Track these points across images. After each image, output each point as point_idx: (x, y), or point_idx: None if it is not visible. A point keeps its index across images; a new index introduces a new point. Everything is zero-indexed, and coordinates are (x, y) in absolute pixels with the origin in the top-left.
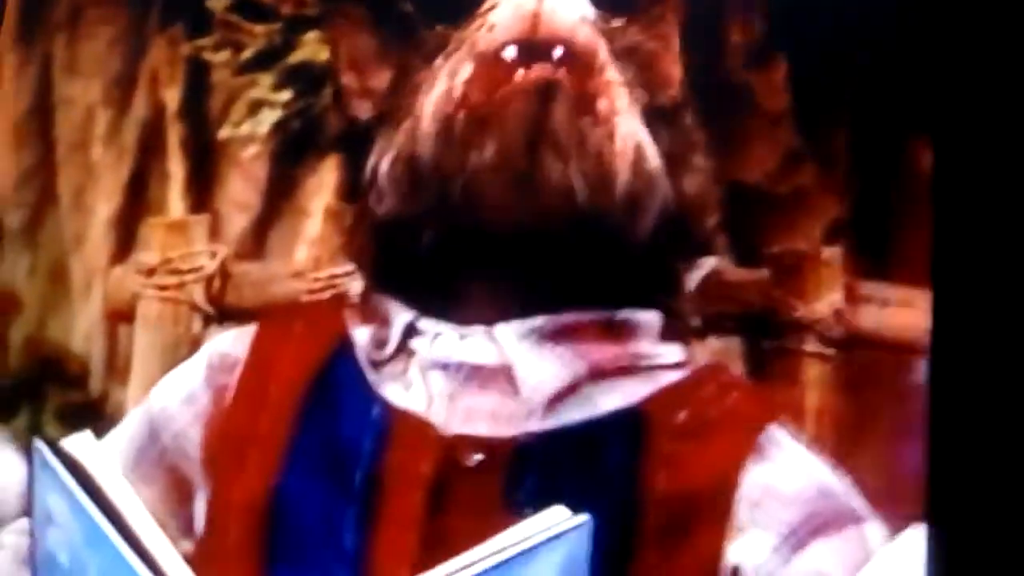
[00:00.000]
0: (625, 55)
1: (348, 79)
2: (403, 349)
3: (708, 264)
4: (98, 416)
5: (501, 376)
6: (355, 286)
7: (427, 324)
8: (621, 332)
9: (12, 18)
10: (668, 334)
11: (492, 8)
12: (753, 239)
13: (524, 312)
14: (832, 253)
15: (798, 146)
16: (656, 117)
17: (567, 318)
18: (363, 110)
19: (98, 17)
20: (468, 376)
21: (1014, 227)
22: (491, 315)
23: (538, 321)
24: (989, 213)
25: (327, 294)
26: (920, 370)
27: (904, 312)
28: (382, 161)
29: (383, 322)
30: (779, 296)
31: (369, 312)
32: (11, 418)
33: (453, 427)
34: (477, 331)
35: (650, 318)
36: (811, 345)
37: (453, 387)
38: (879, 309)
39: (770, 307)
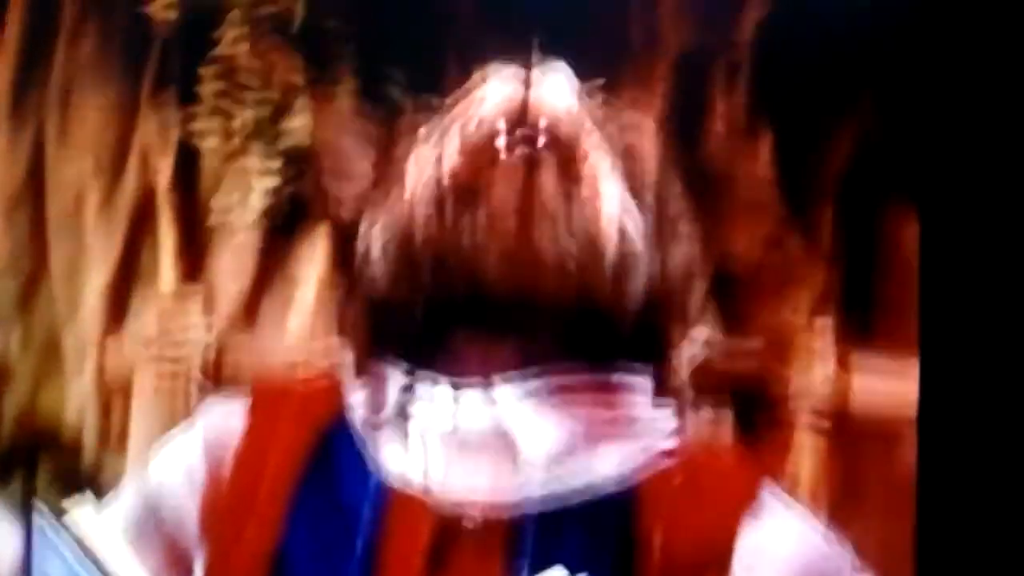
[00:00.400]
0: (611, 127)
1: (331, 164)
2: (400, 412)
3: (700, 336)
4: (93, 486)
5: (499, 438)
6: (348, 356)
7: (424, 387)
8: (617, 396)
9: (5, 92)
10: (661, 402)
11: (479, 91)
12: (743, 311)
13: (520, 373)
14: (822, 324)
15: (784, 218)
16: (641, 188)
17: (564, 380)
18: (348, 192)
19: (89, 89)
20: (466, 439)
21: (1000, 297)
22: (487, 377)
23: (535, 382)
24: (976, 282)
25: (322, 364)
26: (910, 439)
27: (894, 382)
28: (373, 231)
29: (379, 385)
30: (771, 368)
31: (365, 376)
32: (5, 487)
33: (452, 490)
34: (474, 393)
35: (644, 384)
36: (803, 416)
37: (451, 450)
38: (869, 379)
39: (762, 379)
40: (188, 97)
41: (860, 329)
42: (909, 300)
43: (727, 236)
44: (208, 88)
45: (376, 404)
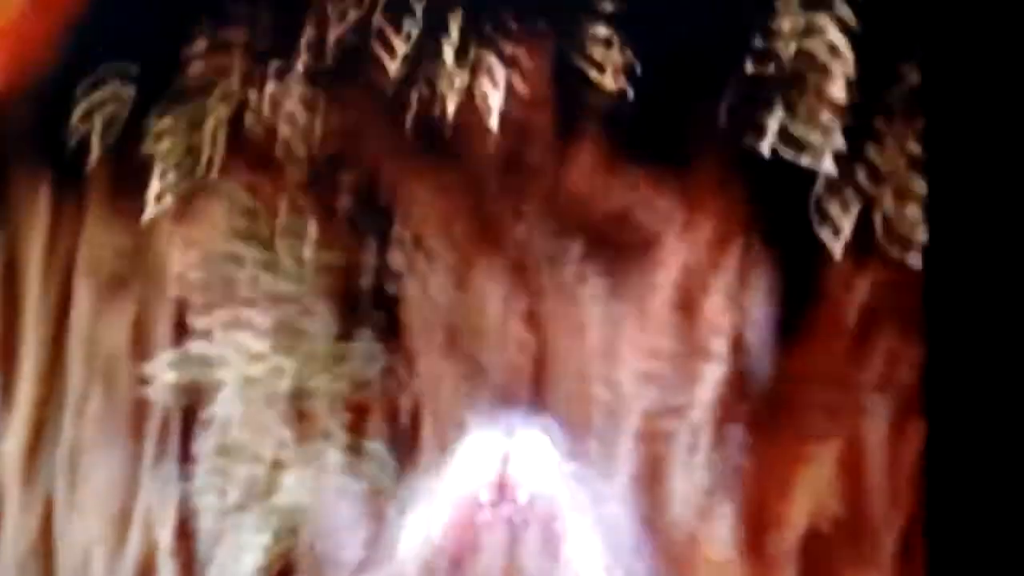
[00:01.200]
0: (584, 497)
1: (321, 526)
2: None
3: None
4: None
5: None
6: None
7: None
8: None
9: (17, 457)
10: None
11: (461, 463)
12: None
13: None
14: None
15: None
16: (616, 559)
17: None
18: (340, 554)
19: (95, 457)
20: None
21: None
22: None
23: None
24: None
25: None
26: None
27: None
28: None
29: None
30: None
31: None
32: None
33: None
34: None
35: None
36: None
37: None
38: None
39: None
40: (187, 459)
41: None
42: None
43: None
44: (205, 452)
45: None
